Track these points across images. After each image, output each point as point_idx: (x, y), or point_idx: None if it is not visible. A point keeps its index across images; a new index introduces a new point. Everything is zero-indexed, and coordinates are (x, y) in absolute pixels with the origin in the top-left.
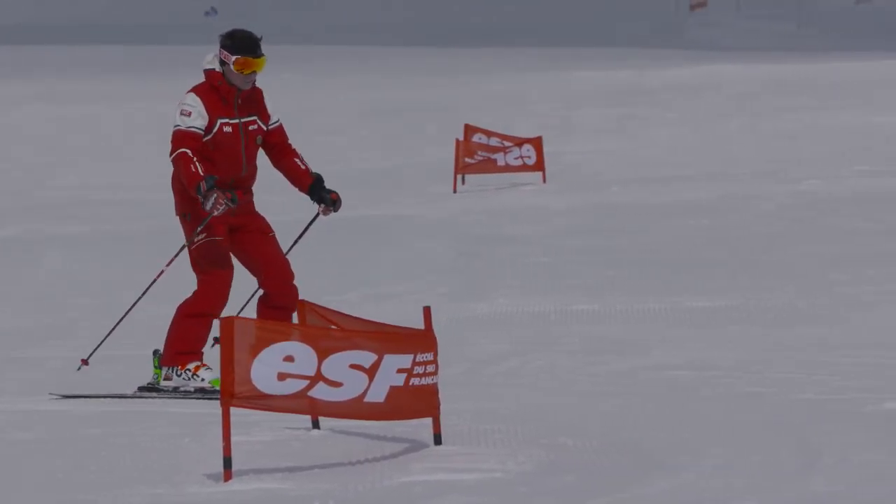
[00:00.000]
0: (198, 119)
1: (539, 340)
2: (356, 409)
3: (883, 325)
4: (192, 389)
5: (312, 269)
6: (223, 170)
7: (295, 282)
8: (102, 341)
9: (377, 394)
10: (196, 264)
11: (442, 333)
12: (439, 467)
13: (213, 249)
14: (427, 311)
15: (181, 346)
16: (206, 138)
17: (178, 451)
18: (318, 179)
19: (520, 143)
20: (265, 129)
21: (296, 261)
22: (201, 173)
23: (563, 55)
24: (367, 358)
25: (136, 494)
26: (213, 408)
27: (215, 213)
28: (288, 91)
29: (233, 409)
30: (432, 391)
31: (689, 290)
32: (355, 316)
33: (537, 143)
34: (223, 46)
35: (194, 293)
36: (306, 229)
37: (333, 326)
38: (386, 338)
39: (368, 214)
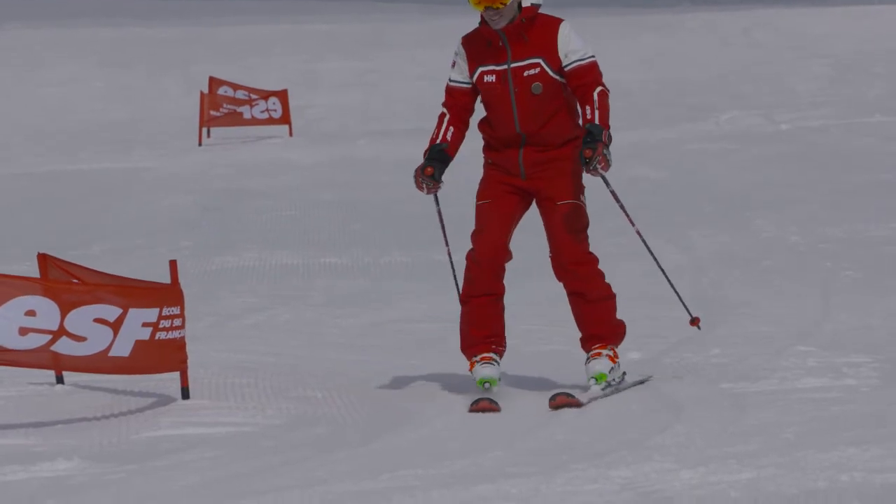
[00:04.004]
0: (457, 71)
1: (286, 294)
2: (101, 363)
3: (620, 275)
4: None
5: (54, 222)
6: (499, 129)
7: (570, 264)
8: None
9: (122, 348)
10: None
11: (188, 287)
12: (187, 421)
13: (477, 215)
14: (173, 265)
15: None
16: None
17: None
18: (589, 131)
19: (266, 95)
20: (551, 74)
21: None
22: (438, 140)
23: (303, 7)
24: (111, 312)
25: None
26: None
27: (422, 192)
28: (17, 43)
29: None
30: (179, 345)
31: (432, 243)
32: (99, 270)
33: (283, 96)
34: None
35: None
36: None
37: (76, 280)
38: (131, 292)
39: (108, 167)
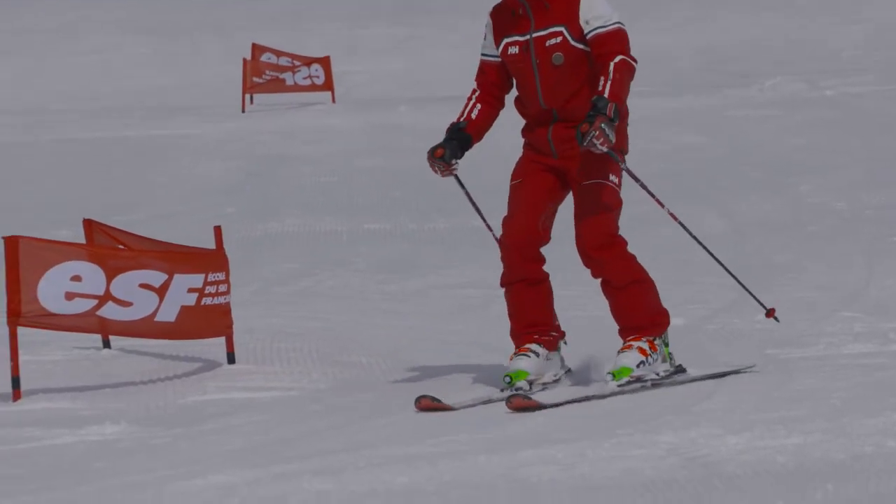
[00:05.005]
0: (486, 44)
1: (330, 260)
2: (147, 328)
3: (652, 244)
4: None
5: (100, 188)
6: (527, 106)
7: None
8: None
9: (168, 313)
10: None
11: (233, 253)
12: (233, 386)
13: (509, 198)
14: (218, 231)
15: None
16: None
17: None
18: (593, 104)
19: (309, 62)
20: (573, 43)
21: (71, 181)
22: (461, 118)
23: None
24: (156, 277)
25: None
26: None
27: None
28: (60, 9)
29: (20, 329)
30: (225, 310)
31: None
32: (144, 236)
33: (326, 62)
34: None
35: None
36: None
37: (121, 246)
38: (176, 258)
39: (152, 134)
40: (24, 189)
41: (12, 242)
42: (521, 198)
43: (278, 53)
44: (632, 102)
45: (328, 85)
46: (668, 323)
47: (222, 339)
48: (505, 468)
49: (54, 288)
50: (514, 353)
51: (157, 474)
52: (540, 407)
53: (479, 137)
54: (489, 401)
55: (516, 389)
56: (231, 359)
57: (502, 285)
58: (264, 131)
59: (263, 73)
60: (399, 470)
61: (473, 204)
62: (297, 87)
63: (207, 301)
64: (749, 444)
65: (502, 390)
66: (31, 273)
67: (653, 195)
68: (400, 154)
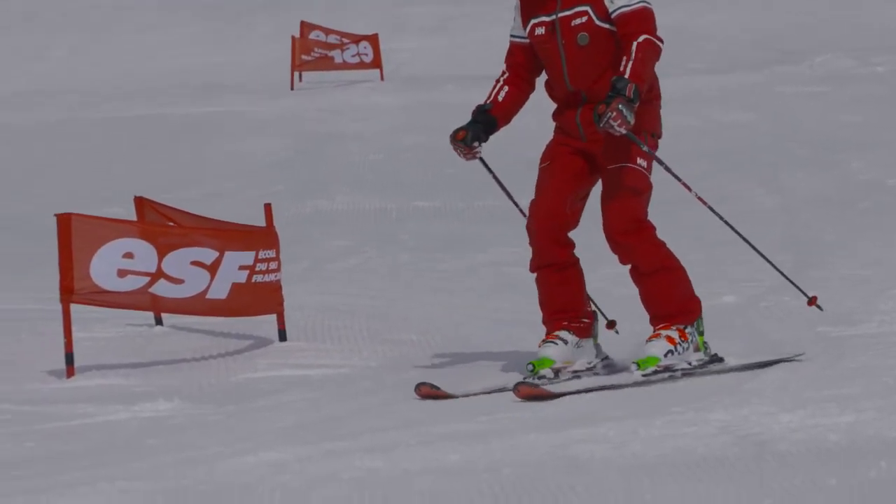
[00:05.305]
0: (515, 25)
1: (380, 237)
2: (199, 305)
3: (705, 222)
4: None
5: (150, 166)
6: (554, 88)
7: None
8: None
9: (219, 290)
10: None
11: (283, 230)
12: (284, 363)
13: (538, 179)
14: (268, 208)
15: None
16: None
17: (16, 348)
18: (613, 85)
19: (357, 39)
20: (598, 22)
21: (123, 159)
22: (487, 100)
23: None
24: (208, 255)
25: None
26: (53, 304)
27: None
28: None
29: (74, 306)
30: (275, 287)
31: (524, 188)
32: (195, 213)
33: (374, 40)
34: None
35: None
36: None
37: (172, 224)
38: (227, 235)
39: (201, 111)
40: (77, 167)
41: (65, 220)
42: (548, 181)
43: (327, 31)
44: (681, 80)
45: (376, 62)
46: (699, 311)
47: (273, 317)
48: (556, 446)
49: (107, 265)
50: (542, 341)
51: (210, 451)
52: (549, 396)
53: (507, 120)
54: (501, 389)
55: (538, 378)
56: (282, 336)
57: (531, 271)
58: (313, 109)
59: (312, 51)
60: (450, 447)
61: (502, 186)
62: (345, 65)
63: (258, 278)
64: (801, 422)
65: (525, 378)
66: (83, 250)
67: (679, 178)
68: (447, 132)
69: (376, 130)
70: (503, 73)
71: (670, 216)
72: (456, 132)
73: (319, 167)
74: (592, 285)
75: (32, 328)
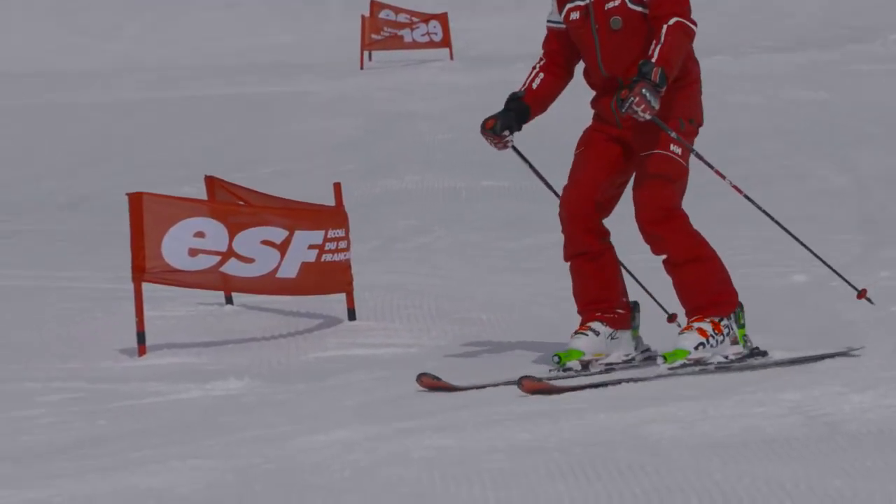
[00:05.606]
0: (552, 10)
1: (448, 216)
2: (269, 284)
3: (771, 200)
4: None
5: (220, 145)
6: (592, 75)
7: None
8: None
9: (289, 269)
10: None
11: (352, 210)
12: (354, 342)
13: (572, 165)
14: (337, 188)
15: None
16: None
17: (90, 326)
18: (639, 69)
19: (427, 19)
20: (630, 6)
21: (193, 138)
22: (521, 87)
23: None
24: (278, 234)
25: (48, 369)
26: (125, 283)
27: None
28: None
29: (145, 285)
30: (345, 267)
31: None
32: (264, 193)
33: (444, 19)
34: None
35: None
36: None
37: (242, 203)
38: (296, 214)
39: (271, 91)
40: (148, 146)
41: (136, 199)
42: (581, 168)
43: (396, 10)
44: (755, 58)
45: (446, 42)
46: (734, 303)
47: (342, 296)
48: (626, 425)
49: (178, 244)
50: (574, 332)
51: (281, 429)
52: (554, 390)
53: (541, 108)
54: (507, 383)
55: (564, 370)
56: (351, 315)
57: (565, 260)
58: (383, 88)
59: (382, 30)
60: (520, 427)
61: (539, 175)
62: (415, 44)
63: (328, 257)
64: (873, 403)
65: (550, 370)
66: (155, 229)
67: (711, 166)
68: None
69: (446, 109)
70: (540, 59)
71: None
72: (485, 121)
73: (389, 146)
74: (651, 275)
75: (105, 307)
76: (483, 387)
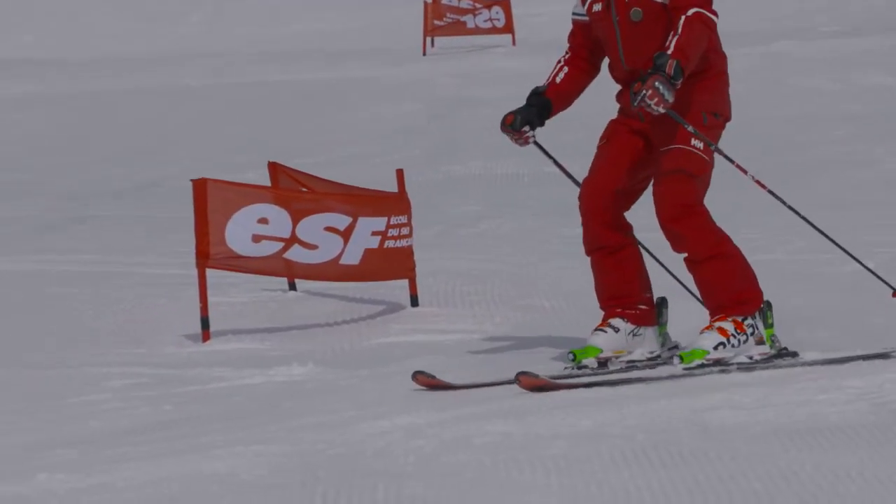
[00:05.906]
0: (576, 4)
1: (512, 202)
2: (332, 270)
3: (839, 186)
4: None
5: (283, 131)
6: (614, 68)
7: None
8: None
9: (352, 256)
10: None
11: (415, 196)
12: (417, 328)
13: (593, 159)
14: (400, 174)
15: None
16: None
17: (155, 312)
18: (654, 61)
19: (489, 4)
20: None
21: (256, 125)
22: (546, 82)
23: None
24: (341, 220)
25: (113, 354)
26: (188, 269)
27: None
28: None
29: (209, 271)
30: (408, 253)
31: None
32: (327, 179)
33: (506, 5)
34: None
35: None
36: None
37: (305, 189)
38: (359, 200)
39: (333, 77)
40: (211, 132)
41: (200, 185)
42: (602, 161)
43: None
44: (822, 43)
45: (508, 27)
46: (757, 302)
47: (405, 282)
48: (689, 412)
49: (242, 230)
50: (594, 329)
51: (344, 415)
52: (553, 387)
53: (564, 103)
54: (504, 382)
55: (579, 368)
56: (414, 301)
57: (586, 254)
58: (445, 74)
59: (444, 16)
60: (583, 413)
61: (563, 170)
62: (477, 30)
63: (390, 244)
64: None
65: (565, 368)
66: (219, 215)
67: (732, 161)
68: (583, 96)
69: (508, 95)
70: (566, 53)
71: (804, 179)
72: (505, 117)
73: (452, 132)
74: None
75: (169, 293)
76: (479, 386)
